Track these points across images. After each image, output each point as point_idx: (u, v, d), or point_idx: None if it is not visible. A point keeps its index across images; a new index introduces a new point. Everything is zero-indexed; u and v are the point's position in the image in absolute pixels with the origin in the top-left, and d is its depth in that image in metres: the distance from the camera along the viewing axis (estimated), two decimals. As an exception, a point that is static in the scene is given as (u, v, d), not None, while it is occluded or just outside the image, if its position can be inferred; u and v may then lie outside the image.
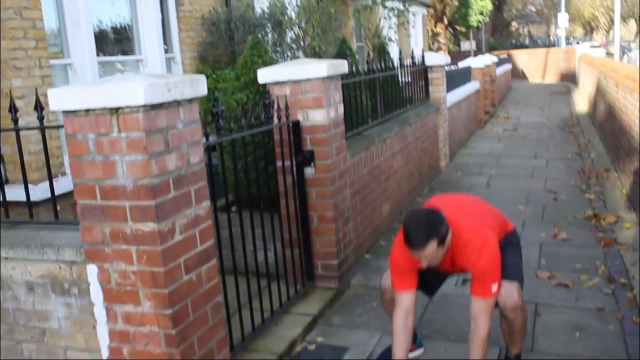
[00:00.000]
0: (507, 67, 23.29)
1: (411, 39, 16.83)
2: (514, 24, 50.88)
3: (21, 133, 3.48)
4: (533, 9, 57.55)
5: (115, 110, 2.53)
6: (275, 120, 4.16)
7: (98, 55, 7.14)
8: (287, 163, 4.36)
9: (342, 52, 6.38)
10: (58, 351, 3.13)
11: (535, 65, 28.70)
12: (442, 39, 31.49)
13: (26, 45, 6.17)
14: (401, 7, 9.28)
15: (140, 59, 7.96)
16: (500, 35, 40.73)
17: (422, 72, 8.42)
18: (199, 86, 2.82)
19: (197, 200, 2.86)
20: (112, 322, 2.82)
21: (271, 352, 3.72)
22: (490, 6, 30.98)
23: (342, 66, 4.64)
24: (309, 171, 4.43)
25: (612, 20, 41.99)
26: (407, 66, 7.46)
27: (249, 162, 4.20)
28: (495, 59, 16.21)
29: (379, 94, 6.52)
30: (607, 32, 58.60)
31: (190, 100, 2.79)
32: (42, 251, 2.96)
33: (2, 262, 3.11)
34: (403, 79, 7.57)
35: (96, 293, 2.82)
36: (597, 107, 11.80)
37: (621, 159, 7.66)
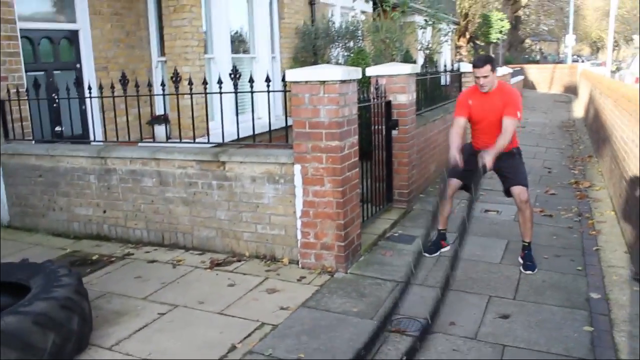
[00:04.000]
0: (520, 78, 25.02)
1: (443, 51, 18.70)
2: (528, 41, 52.15)
3: (181, 104, 5.54)
4: (546, 28, 58.66)
5: (323, 82, 4.54)
6: (376, 100, 6.16)
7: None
8: (380, 127, 6.33)
9: (407, 59, 8.35)
10: (265, 217, 5.16)
11: (544, 78, 30.30)
12: (463, 52, 33.17)
13: (192, 44, 8.22)
14: (447, 27, 11.24)
15: (254, 56, 10.01)
16: (515, 50, 42.19)
17: (457, 76, 10.35)
18: (359, 73, 4.85)
19: (353, 134, 4.89)
20: (305, 196, 4.84)
21: (372, 234, 5.74)
22: (508, 26, 32.55)
23: (417, 68, 6.65)
24: (394, 132, 6.42)
25: (615, 42, 43.34)
26: (448, 71, 9.41)
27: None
28: (510, 70, 17.99)
29: (429, 90, 8.48)
30: (612, 51, 59.60)
31: (355, 80, 4.80)
32: (266, 158, 4.99)
33: (237, 164, 5.15)
34: (445, 81, 9.52)
35: (298, 181, 4.84)
36: (589, 112, 13.60)
37: (599, 147, 9.53)
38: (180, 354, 3.68)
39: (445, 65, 9.02)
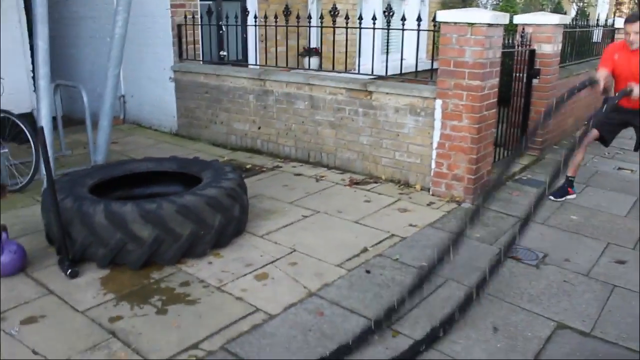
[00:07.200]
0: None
1: (599, 6, 17.67)
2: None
3: (335, 38, 5.99)
4: None
5: (471, 24, 4.80)
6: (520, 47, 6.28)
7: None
8: (521, 75, 6.45)
9: (557, 10, 8.22)
10: (404, 145, 5.59)
11: None
12: (625, 8, 30.76)
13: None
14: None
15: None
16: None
17: (610, 32, 9.96)
18: (506, 19, 5.04)
19: (495, 76, 5.13)
20: (443, 129, 5.19)
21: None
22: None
23: (566, 19, 6.63)
24: (535, 81, 6.53)
25: None
26: (599, 26, 9.11)
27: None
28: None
29: (577, 43, 8.33)
30: None
31: (502, 25, 5.01)
32: (410, 91, 5.38)
33: (383, 95, 5.58)
34: (596, 37, 9.24)
35: (438, 114, 5.20)
36: None
37: None
38: (320, 248, 4.28)
39: (597, 20, 8.76)
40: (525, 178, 6.15)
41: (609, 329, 3.33)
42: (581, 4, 10.27)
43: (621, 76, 5.01)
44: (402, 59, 5.63)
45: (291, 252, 4.20)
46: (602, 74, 4.89)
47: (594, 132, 5.25)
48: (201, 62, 7.61)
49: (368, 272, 3.92)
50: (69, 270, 3.77)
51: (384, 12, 5.52)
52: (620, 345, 3.16)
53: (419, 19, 5.40)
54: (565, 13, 8.38)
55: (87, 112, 5.81)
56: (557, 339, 3.20)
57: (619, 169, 6.73)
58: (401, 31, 5.49)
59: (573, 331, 3.30)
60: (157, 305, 3.44)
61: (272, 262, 4.04)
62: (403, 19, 5.49)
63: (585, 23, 8.32)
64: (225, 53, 8.17)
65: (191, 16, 7.36)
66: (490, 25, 4.80)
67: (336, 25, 5.97)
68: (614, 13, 22.60)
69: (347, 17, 5.91)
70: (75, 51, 8.90)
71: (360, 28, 5.86)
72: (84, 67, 8.77)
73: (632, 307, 3.61)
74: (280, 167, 6.29)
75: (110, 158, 6.02)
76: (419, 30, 5.38)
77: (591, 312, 3.53)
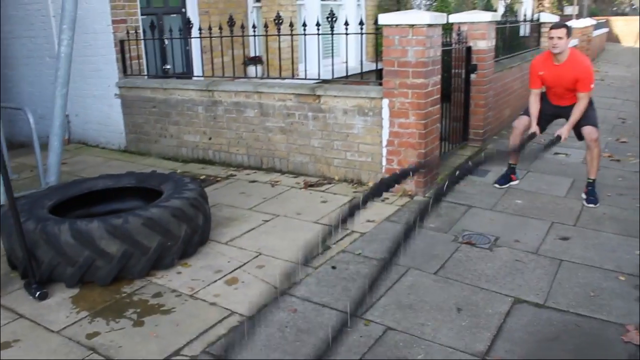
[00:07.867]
0: (604, 31, 24.29)
1: (524, 2, 18.47)
2: (617, -8, 49.52)
3: (279, 45, 6.13)
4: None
5: (412, 26, 5.06)
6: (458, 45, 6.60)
7: None
8: (460, 71, 6.78)
9: (488, 8, 8.65)
10: (354, 145, 5.80)
11: (631, 31, 29.16)
12: (546, 3, 32.20)
13: (286, -10, 8.77)
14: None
15: (340, 4, 10.49)
16: (602, 2, 40.40)
17: (536, 26, 10.51)
18: (444, 18, 5.33)
19: (437, 73, 5.41)
20: (391, 127, 5.43)
21: (448, 166, 6.28)
22: (595, -24, 31.20)
23: (497, 16, 7.01)
24: (472, 76, 6.87)
25: None
26: (527, 21, 9.62)
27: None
28: (593, 23, 17.64)
29: (507, 38, 8.78)
30: None
31: (440, 24, 5.29)
32: (357, 92, 5.59)
33: (331, 98, 5.78)
34: (524, 32, 9.75)
35: (385, 113, 5.43)
36: (673, 66, 13.35)
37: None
38: (285, 249, 4.43)
39: (525, 15, 9.26)
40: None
41: (560, 299, 3.62)
42: (509, 1, 10.79)
43: (550, 86, 5.43)
44: (347, 62, 5.84)
45: (257, 256, 4.34)
46: (533, 112, 5.48)
47: (525, 119, 5.60)
48: (146, 77, 7.63)
49: (334, 267, 4.09)
50: (38, 293, 3.79)
51: (327, 18, 5.72)
52: (572, 312, 3.46)
53: (361, 23, 5.63)
54: (495, 10, 8.83)
55: (34, 134, 5.78)
56: (515, 313, 3.46)
57: (555, 154, 7.15)
58: (344, 35, 5.70)
59: (529, 304, 3.57)
60: (133, 318, 3.52)
61: (240, 266, 4.17)
62: (346, 23, 5.71)
63: (514, 19, 8.79)
64: (169, 67, 8.21)
65: (133, 31, 7.38)
66: (430, 25, 5.07)
67: (281, 33, 6.14)
68: (537, 8, 23.68)
69: (291, 25, 6.09)
70: (11, 72, 8.75)
71: (305, 35, 6.04)
72: (22, 89, 8.64)
73: (579, 277, 3.92)
74: (235, 175, 6.41)
75: (61, 179, 5.99)
76: (362, 34, 5.61)
77: (543, 285, 3.81)
